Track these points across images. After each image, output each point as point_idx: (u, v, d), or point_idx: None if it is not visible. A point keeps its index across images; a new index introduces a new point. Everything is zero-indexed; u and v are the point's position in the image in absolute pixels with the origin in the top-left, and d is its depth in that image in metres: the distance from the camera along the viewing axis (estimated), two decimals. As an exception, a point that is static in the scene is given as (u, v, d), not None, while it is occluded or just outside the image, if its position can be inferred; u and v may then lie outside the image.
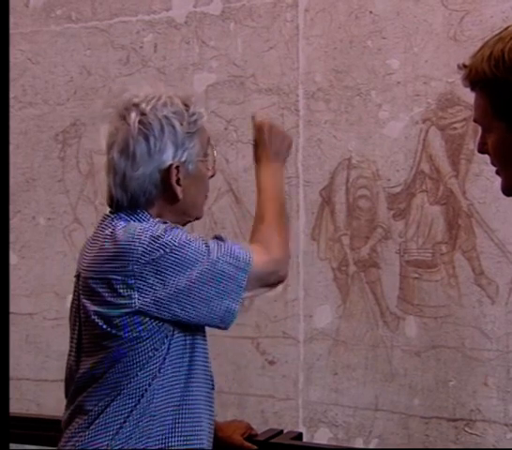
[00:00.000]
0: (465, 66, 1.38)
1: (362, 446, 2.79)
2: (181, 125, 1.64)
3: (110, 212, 1.71)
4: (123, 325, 1.57)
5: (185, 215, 1.72)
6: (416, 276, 2.72)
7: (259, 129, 1.83)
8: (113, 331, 1.58)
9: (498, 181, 1.40)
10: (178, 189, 1.65)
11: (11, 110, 3.31)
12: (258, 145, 1.83)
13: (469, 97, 2.64)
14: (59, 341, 3.28)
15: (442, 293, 2.68)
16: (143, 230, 1.58)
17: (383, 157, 2.78)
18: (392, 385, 2.76)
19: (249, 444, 2.00)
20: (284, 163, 1.89)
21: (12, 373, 3.22)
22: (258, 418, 2.87)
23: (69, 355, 1.69)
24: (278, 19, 2.92)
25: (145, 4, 3.14)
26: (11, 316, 3.21)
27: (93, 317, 1.59)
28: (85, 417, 1.60)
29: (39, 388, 3.33)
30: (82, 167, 3.27)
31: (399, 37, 2.74)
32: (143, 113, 1.63)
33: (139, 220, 1.65)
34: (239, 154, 2.97)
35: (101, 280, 1.59)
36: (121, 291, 1.56)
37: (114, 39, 3.20)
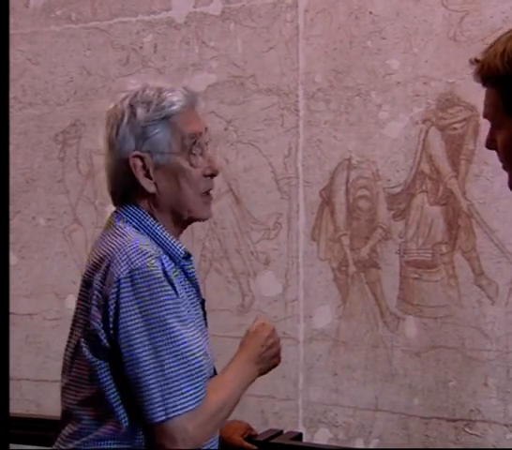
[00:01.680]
0: (477, 60, 1.38)
1: (362, 447, 2.79)
2: (146, 112, 1.59)
3: (116, 208, 1.69)
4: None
5: (175, 213, 1.65)
6: (416, 276, 2.72)
7: (257, 324, 1.71)
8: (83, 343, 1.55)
9: (498, 181, 1.40)
10: (146, 182, 1.60)
11: (11, 110, 3.31)
12: (249, 339, 1.69)
13: (469, 97, 2.65)
14: (59, 341, 3.27)
15: (442, 294, 2.68)
16: (130, 262, 1.51)
17: (382, 158, 2.78)
18: (392, 386, 2.76)
19: (249, 445, 2.00)
20: (259, 374, 1.68)
21: (12, 373, 3.22)
22: (258, 418, 2.87)
23: (65, 353, 1.67)
24: (278, 19, 2.92)
25: (145, 4, 3.14)
26: (11, 316, 3.21)
27: (79, 320, 1.59)
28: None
29: (39, 389, 3.33)
30: (82, 167, 3.27)
31: (399, 37, 2.74)
32: (115, 105, 1.64)
33: (135, 219, 1.62)
34: (239, 154, 2.97)
35: (87, 287, 1.57)
36: (94, 302, 1.53)
37: (114, 40, 3.20)
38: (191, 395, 1.48)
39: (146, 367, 1.47)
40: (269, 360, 1.69)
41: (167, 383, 1.47)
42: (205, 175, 1.66)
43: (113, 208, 1.70)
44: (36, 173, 3.35)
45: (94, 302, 1.52)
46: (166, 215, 1.65)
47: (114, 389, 1.52)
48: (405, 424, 2.74)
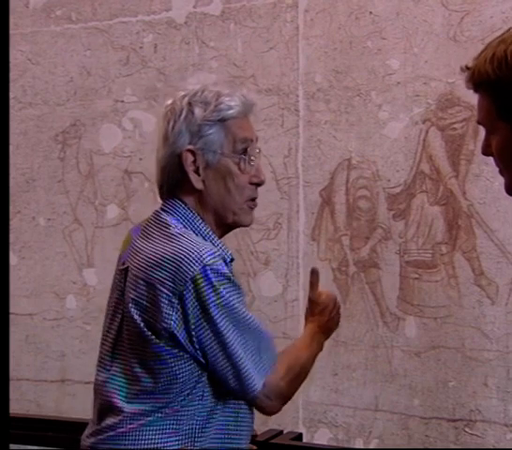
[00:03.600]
0: (468, 67, 1.38)
1: (362, 447, 2.79)
2: (204, 111, 1.64)
3: (163, 204, 1.72)
4: (162, 336, 1.58)
5: (218, 215, 1.70)
6: (416, 276, 2.72)
7: (331, 300, 1.88)
8: (152, 337, 1.58)
9: (498, 182, 1.40)
10: (194, 177, 1.65)
11: (11, 110, 3.31)
12: (318, 313, 1.87)
13: (469, 97, 2.65)
14: (59, 342, 3.29)
15: (442, 294, 2.68)
16: (200, 259, 1.58)
17: (382, 158, 2.78)
18: (392, 386, 2.76)
19: (249, 445, 2.00)
20: (326, 339, 1.94)
21: (12, 373, 3.22)
22: (258, 418, 2.85)
23: (102, 345, 1.69)
24: (278, 19, 2.92)
25: (145, 4, 3.15)
26: (11, 316, 3.21)
27: (134, 315, 1.60)
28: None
29: (39, 389, 3.33)
30: (82, 167, 3.27)
31: (399, 37, 2.74)
32: (173, 101, 1.68)
33: (185, 218, 1.66)
34: (239, 154, 2.97)
35: (149, 286, 1.59)
36: (164, 301, 1.57)
37: (114, 40, 3.20)
38: (270, 357, 1.66)
39: (236, 349, 1.59)
40: (333, 328, 1.90)
41: (253, 356, 1.62)
42: (251, 183, 1.71)
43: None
44: (36, 173, 3.35)
45: (165, 301, 1.56)
46: (209, 215, 1.69)
47: (182, 383, 1.59)
48: (405, 424, 2.74)
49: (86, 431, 1.69)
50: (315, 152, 2.88)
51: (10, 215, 3.32)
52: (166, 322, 1.56)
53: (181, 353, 1.57)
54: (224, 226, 1.74)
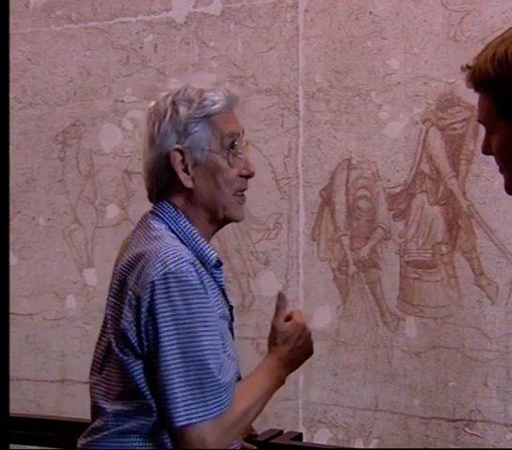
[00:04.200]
0: (468, 66, 1.38)
1: (362, 447, 2.79)
2: (188, 109, 1.63)
3: (153, 207, 1.70)
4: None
5: (210, 212, 1.67)
6: (416, 276, 2.72)
7: (298, 326, 1.72)
8: (113, 337, 1.57)
9: (498, 181, 1.41)
10: (184, 176, 1.63)
11: (11, 110, 3.31)
12: (286, 338, 1.71)
13: (469, 97, 2.65)
14: (59, 342, 3.29)
15: (442, 294, 2.68)
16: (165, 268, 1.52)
17: (382, 158, 2.78)
18: (392, 386, 2.76)
19: (249, 445, 2.00)
20: (289, 373, 1.75)
21: (12, 374, 3.22)
22: (258, 419, 2.86)
23: (96, 347, 1.68)
24: (278, 19, 2.92)
25: (145, 4, 3.15)
26: (11, 316, 3.21)
27: (107, 313, 1.60)
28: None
29: (39, 389, 3.33)
30: (82, 167, 3.27)
31: (399, 37, 2.74)
32: (156, 102, 1.68)
33: (171, 220, 1.64)
34: (239, 154, 2.97)
35: (119, 285, 1.59)
36: (126, 302, 1.55)
37: (114, 40, 3.20)
38: (214, 404, 1.50)
39: (173, 372, 1.49)
40: (300, 359, 1.75)
41: (191, 390, 1.49)
42: (241, 176, 1.69)
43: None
44: (36, 173, 3.35)
45: (126, 301, 1.54)
46: (201, 213, 1.67)
47: (147, 386, 1.54)
48: (405, 424, 2.74)
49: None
50: (315, 152, 2.88)
51: (10, 215, 3.32)
52: (123, 323, 1.53)
53: (134, 360, 1.53)
54: (215, 222, 1.70)
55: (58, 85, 3.30)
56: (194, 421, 1.49)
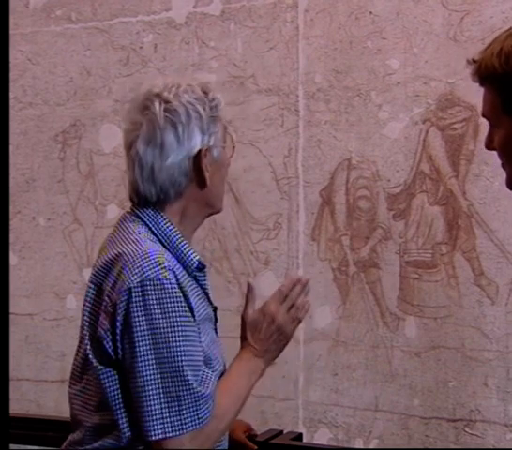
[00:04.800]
0: (474, 61, 1.38)
1: (362, 447, 2.79)
2: (204, 110, 1.60)
3: (131, 209, 1.64)
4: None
5: (208, 206, 1.65)
6: (416, 276, 2.72)
7: (265, 317, 1.66)
8: (87, 344, 1.53)
9: (498, 181, 1.40)
10: (207, 176, 1.61)
11: (11, 110, 3.31)
12: (255, 331, 1.65)
13: (469, 97, 2.65)
14: (59, 342, 3.29)
15: (442, 294, 2.68)
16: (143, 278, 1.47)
17: (382, 158, 2.78)
18: (392, 386, 2.76)
19: (251, 444, 2.00)
20: (268, 364, 1.65)
21: (12, 374, 3.22)
22: (258, 419, 2.87)
23: (76, 355, 1.63)
24: (278, 19, 2.92)
25: (145, 4, 3.15)
26: (11, 316, 3.21)
27: (84, 318, 1.56)
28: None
29: (39, 389, 3.33)
30: (82, 167, 3.27)
31: (399, 37, 2.74)
32: (166, 101, 1.58)
33: (151, 221, 1.59)
34: (239, 154, 2.96)
35: (95, 289, 1.55)
36: (103, 309, 1.50)
37: (114, 40, 3.20)
38: (192, 416, 1.46)
39: (148, 383, 1.44)
40: (276, 347, 1.66)
41: (167, 402, 1.44)
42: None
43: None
44: (36, 173, 3.35)
45: (103, 308, 1.49)
46: (204, 209, 1.65)
47: (119, 398, 1.50)
48: (405, 424, 2.74)
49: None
50: (315, 152, 2.88)
51: (10, 215, 3.32)
52: (99, 331, 1.48)
53: (110, 370, 1.49)
54: (207, 215, 1.69)
55: (58, 85, 3.30)
56: (170, 435, 1.44)
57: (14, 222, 3.34)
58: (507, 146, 1.38)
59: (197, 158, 1.58)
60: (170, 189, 1.59)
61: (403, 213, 2.75)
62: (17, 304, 3.30)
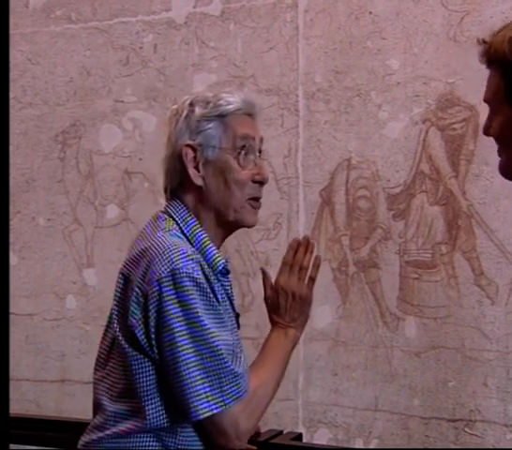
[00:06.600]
0: (485, 42, 1.39)
1: (362, 447, 2.79)
2: (204, 109, 1.65)
3: (165, 207, 1.70)
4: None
5: (219, 213, 1.66)
6: (416, 276, 2.72)
7: (279, 292, 1.73)
8: (119, 333, 1.57)
9: (498, 181, 1.40)
10: (194, 173, 1.63)
11: (11, 110, 3.31)
12: (276, 309, 1.74)
13: (469, 97, 2.65)
14: (59, 342, 3.29)
15: (441, 294, 2.68)
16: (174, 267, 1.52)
17: (382, 158, 2.78)
18: (392, 386, 2.76)
19: (249, 446, 2.00)
20: (303, 328, 1.75)
21: (12, 374, 3.22)
22: (258, 419, 2.87)
23: (101, 342, 1.66)
24: (278, 19, 2.92)
25: (145, 4, 3.15)
26: (11, 317, 3.21)
27: (113, 309, 1.60)
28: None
29: (39, 389, 3.33)
30: (82, 167, 3.27)
31: (399, 37, 2.74)
32: (178, 106, 1.69)
33: (180, 219, 1.64)
34: (239, 154, 2.97)
35: (124, 280, 1.59)
36: (134, 299, 1.55)
37: (114, 40, 3.20)
38: (233, 391, 1.53)
39: (189, 366, 1.50)
40: (299, 313, 1.73)
41: (210, 381, 1.51)
42: (254, 181, 1.67)
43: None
44: (36, 173, 3.35)
45: (133, 298, 1.54)
46: (211, 214, 1.66)
47: (149, 384, 1.55)
48: (405, 424, 2.74)
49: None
50: (315, 152, 2.88)
51: (10, 215, 3.32)
52: (130, 320, 1.53)
53: (141, 357, 1.54)
54: (226, 225, 1.68)
55: (58, 85, 3.30)
56: (216, 411, 1.51)
57: (14, 222, 3.34)
58: (504, 133, 1.39)
59: (182, 153, 1.64)
60: (172, 183, 1.68)
61: (403, 213, 2.75)
62: (17, 304, 3.30)
